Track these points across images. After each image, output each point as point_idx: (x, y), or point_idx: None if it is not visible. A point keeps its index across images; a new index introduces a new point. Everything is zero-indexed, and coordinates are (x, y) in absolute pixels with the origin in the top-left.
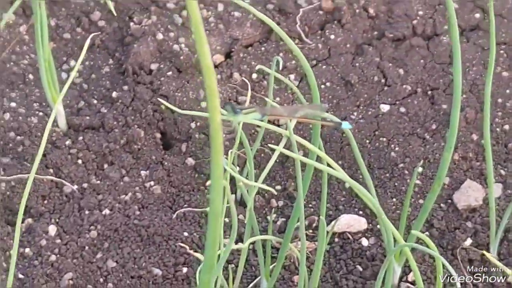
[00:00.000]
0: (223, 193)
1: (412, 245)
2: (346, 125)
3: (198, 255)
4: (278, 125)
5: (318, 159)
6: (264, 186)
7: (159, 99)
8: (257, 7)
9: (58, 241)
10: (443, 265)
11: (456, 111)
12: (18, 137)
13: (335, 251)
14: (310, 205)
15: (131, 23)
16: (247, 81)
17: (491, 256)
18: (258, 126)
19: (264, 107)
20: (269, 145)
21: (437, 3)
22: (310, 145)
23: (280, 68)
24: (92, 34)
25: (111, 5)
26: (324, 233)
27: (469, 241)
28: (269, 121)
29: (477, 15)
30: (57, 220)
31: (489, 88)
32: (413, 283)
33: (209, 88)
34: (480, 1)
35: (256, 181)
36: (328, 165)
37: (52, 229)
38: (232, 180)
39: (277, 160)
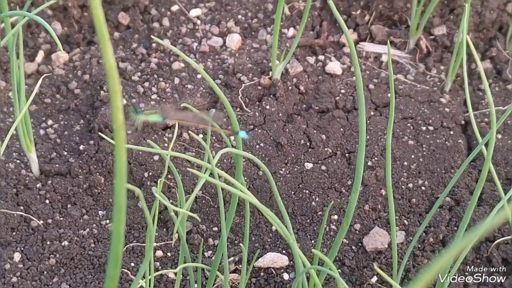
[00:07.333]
0: (126, 190)
1: (316, 267)
2: (243, 134)
3: (142, 282)
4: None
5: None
6: (191, 214)
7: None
8: (207, 82)
9: (21, 266)
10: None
11: (361, 161)
12: None
13: (261, 283)
14: (241, 244)
15: (102, 91)
16: (194, 139)
17: None
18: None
19: (167, 111)
20: (190, 170)
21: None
22: (232, 179)
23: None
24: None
25: None
26: (245, 267)
27: (375, 278)
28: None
29: (389, 95)
30: (22, 248)
31: (389, 151)
32: None
33: (112, 90)
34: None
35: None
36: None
37: (17, 256)
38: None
39: (216, 206)
